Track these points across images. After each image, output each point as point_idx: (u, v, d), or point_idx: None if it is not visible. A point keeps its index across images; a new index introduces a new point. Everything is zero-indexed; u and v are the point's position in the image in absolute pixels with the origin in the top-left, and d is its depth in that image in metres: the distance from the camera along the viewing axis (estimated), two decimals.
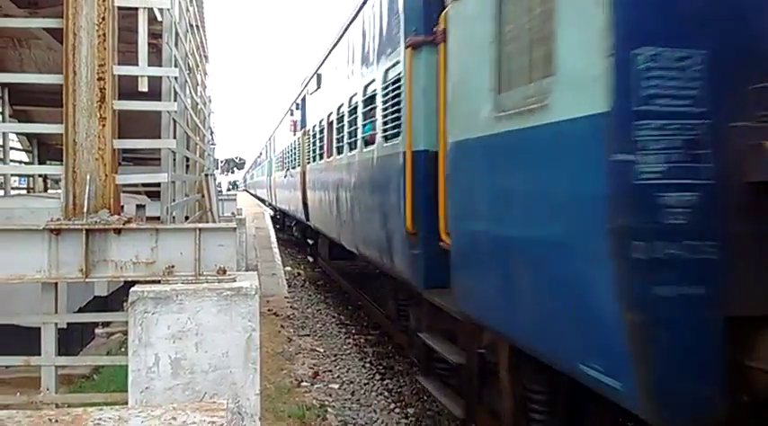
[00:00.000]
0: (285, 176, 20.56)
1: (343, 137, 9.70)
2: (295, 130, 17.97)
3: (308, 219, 14.84)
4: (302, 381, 7.65)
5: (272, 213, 28.33)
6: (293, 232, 22.81)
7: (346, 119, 9.48)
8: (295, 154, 17.71)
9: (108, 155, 4.79)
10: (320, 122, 12.58)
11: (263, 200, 38.21)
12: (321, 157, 12.25)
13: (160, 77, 5.52)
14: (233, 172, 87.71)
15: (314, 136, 13.64)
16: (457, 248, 5.10)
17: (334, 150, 10.42)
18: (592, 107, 3.01)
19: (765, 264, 2.77)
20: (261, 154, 41.65)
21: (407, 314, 7.64)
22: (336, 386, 7.65)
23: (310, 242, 18.08)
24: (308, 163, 14.46)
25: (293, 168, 18.06)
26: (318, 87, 13.08)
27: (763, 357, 2.75)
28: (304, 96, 16.21)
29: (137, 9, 5.17)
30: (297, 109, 17.87)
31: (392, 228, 6.76)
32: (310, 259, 19.25)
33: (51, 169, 9.79)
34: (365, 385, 7.78)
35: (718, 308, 2.77)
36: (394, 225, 6.65)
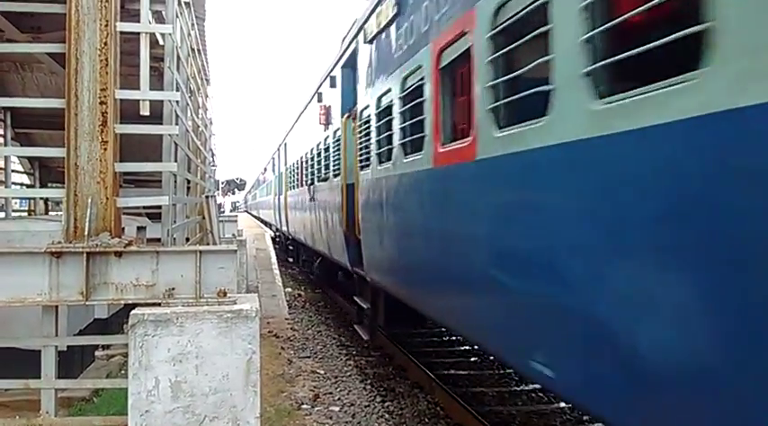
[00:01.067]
0: (309, 194, 13.84)
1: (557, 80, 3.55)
2: (327, 123, 12.02)
3: (359, 265, 8.96)
4: (303, 404, 7.61)
5: (272, 235, 27.95)
6: (312, 269, 16.68)
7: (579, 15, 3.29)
8: (328, 159, 11.64)
9: (109, 178, 4.82)
10: (405, 81, 6.46)
11: (267, 223, 34.18)
12: (410, 151, 6.31)
13: (162, 100, 5.58)
14: (234, 193, 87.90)
15: (379, 115, 7.61)
16: None
17: (487, 120, 4.39)
18: None
19: None
20: (265, 169, 35.78)
21: None
22: (337, 409, 7.61)
23: (362, 304, 9.72)
24: (363, 168, 8.49)
25: (322, 181, 12.14)
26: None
27: None
28: (353, 51, 9.49)
29: (139, 34, 5.23)
30: (333, 86, 11.41)
31: None
32: (363, 335, 10.29)
33: (53, 192, 9.85)
34: (366, 407, 7.74)
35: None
36: None
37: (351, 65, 9.85)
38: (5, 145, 10.90)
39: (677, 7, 2.79)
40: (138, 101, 5.19)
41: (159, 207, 5.70)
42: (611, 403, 3.25)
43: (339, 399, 8.01)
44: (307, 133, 14.93)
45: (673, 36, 2.58)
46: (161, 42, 6.25)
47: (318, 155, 12.93)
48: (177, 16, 6.17)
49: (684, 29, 2.54)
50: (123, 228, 5.20)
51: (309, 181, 13.92)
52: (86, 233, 4.69)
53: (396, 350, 9.92)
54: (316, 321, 13.59)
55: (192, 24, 8.51)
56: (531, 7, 3.79)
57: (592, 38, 3.16)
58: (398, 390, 8.40)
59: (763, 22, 2.23)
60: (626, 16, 2.88)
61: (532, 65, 3.79)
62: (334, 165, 10.97)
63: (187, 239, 7.47)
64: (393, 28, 7.09)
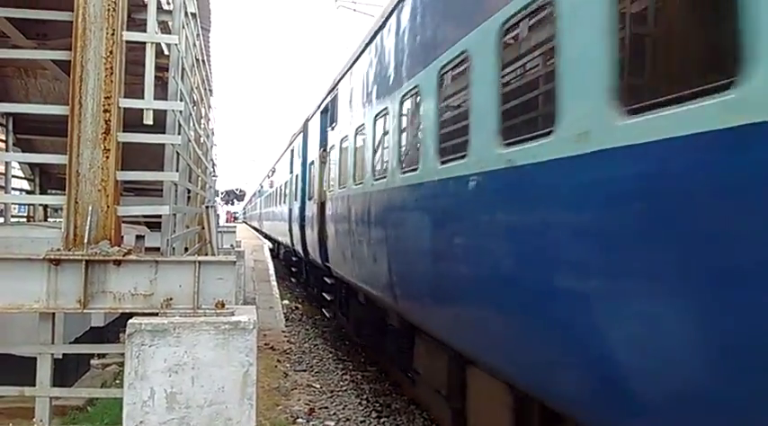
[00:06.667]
0: None
1: None
2: None
3: None
4: (298, 417, 7.56)
5: (270, 246, 27.38)
6: None
7: None
8: None
9: (110, 186, 4.82)
10: None
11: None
12: None
13: (165, 110, 5.58)
14: (233, 203, 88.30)
15: None
16: None
17: None
18: None
19: None
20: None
21: None
22: (332, 424, 7.56)
23: None
24: None
25: None
26: None
27: None
28: None
29: (144, 43, 5.24)
30: None
31: None
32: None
33: (53, 199, 9.83)
34: (361, 422, 7.69)
35: None
36: None
37: None
38: (7, 150, 10.88)
39: None
40: (142, 109, 5.19)
41: (159, 216, 5.68)
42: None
43: (335, 414, 7.97)
44: None
45: None
46: (166, 52, 6.26)
47: None
48: (183, 27, 6.19)
49: None
50: (122, 237, 5.18)
51: None
52: (86, 241, 4.67)
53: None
54: (312, 334, 13.54)
55: (198, 35, 8.54)
56: None
57: None
58: (394, 406, 8.35)
59: None
60: None
61: None
62: None
63: (186, 249, 7.45)
64: None
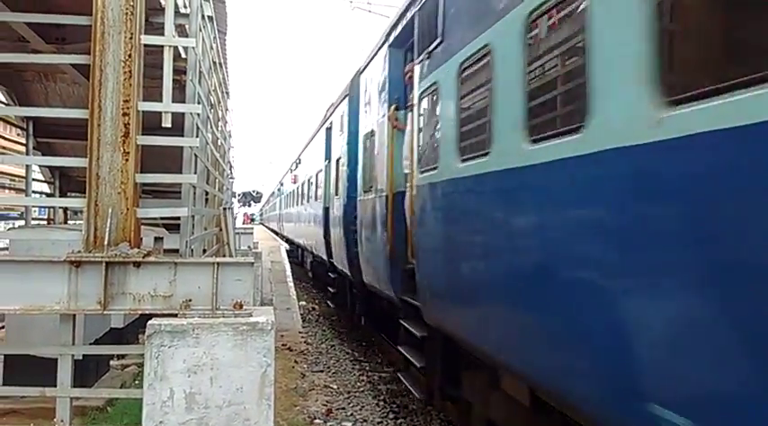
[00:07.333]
0: None
1: None
2: None
3: None
4: (315, 418, 7.58)
5: (288, 247, 27.02)
6: None
7: None
8: None
9: (130, 188, 4.86)
10: None
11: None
12: None
13: (183, 113, 5.62)
14: (249, 205, 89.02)
15: None
16: None
17: None
18: None
19: None
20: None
21: None
22: (350, 424, 7.57)
23: None
24: None
25: None
26: None
27: None
28: None
29: (162, 47, 5.29)
30: None
31: None
32: None
33: (74, 202, 9.93)
34: (378, 423, 7.70)
35: None
36: None
37: None
38: (27, 154, 11.02)
39: None
40: (160, 112, 5.23)
41: (177, 218, 5.72)
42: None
43: (352, 414, 7.98)
44: None
45: None
46: (183, 55, 6.31)
47: None
48: (200, 30, 6.23)
49: None
50: (142, 239, 5.22)
51: None
52: (106, 243, 4.72)
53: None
54: (329, 335, 13.57)
55: (214, 38, 8.59)
56: None
57: None
58: (411, 407, 8.35)
59: None
60: None
61: None
62: None
63: (204, 250, 7.50)
64: None
